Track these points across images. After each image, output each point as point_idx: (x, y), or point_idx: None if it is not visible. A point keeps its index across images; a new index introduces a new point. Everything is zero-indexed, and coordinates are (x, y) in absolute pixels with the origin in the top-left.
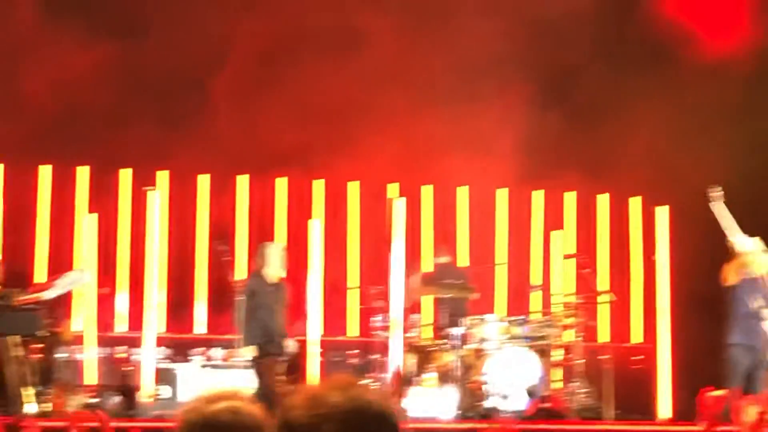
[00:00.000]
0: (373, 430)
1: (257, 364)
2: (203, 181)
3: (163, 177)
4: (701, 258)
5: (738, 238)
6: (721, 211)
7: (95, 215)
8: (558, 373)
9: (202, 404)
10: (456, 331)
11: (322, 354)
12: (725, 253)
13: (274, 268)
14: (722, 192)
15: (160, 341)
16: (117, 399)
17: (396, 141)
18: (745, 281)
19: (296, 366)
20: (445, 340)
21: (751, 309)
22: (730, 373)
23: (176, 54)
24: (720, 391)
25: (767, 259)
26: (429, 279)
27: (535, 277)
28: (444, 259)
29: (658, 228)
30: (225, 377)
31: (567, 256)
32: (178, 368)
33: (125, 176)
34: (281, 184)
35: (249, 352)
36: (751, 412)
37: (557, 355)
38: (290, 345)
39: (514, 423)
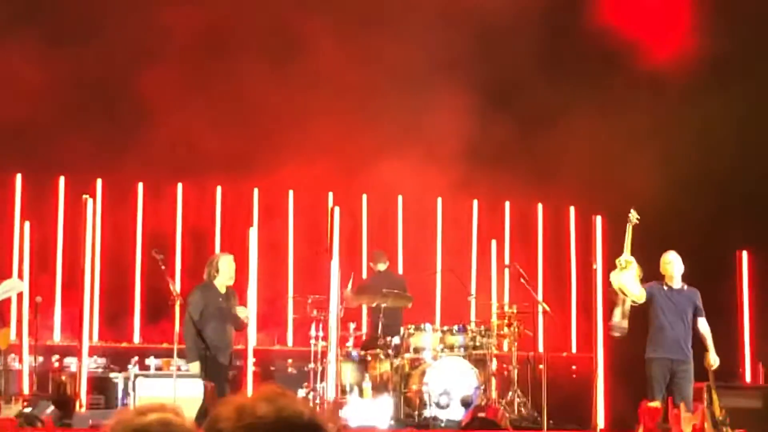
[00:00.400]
0: None
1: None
2: (139, 189)
3: (98, 185)
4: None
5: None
6: (629, 232)
7: (28, 223)
8: (494, 383)
9: (133, 416)
10: (393, 340)
11: (256, 364)
12: (657, 262)
13: (225, 277)
14: (637, 217)
15: (96, 350)
16: (51, 408)
17: (334, 148)
18: (653, 296)
19: (235, 377)
20: (381, 349)
21: (659, 323)
22: (651, 387)
23: (112, 61)
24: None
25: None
26: (365, 287)
27: (473, 286)
28: (382, 266)
29: (594, 237)
30: (161, 386)
31: (504, 266)
32: (114, 377)
33: (60, 184)
34: (218, 192)
35: (196, 368)
36: (687, 423)
37: (494, 364)
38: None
39: None
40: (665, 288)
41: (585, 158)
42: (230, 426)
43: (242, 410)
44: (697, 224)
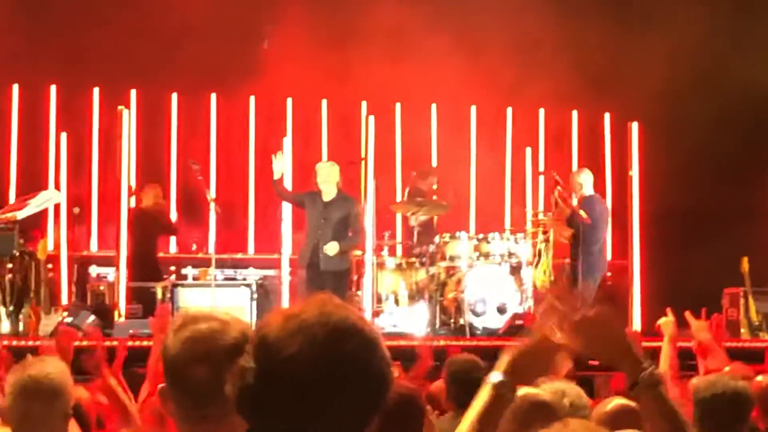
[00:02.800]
0: (341, 344)
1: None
2: (173, 100)
3: (132, 96)
4: (670, 175)
5: None
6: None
7: (65, 134)
8: (530, 290)
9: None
10: (428, 248)
11: (291, 273)
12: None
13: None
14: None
15: None
16: (92, 318)
17: (368, 57)
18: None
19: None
20: (417, 258)
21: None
22: None
23: None
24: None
25: None
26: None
27: (507, 193)
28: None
29: (631, 145)
30: (200, 296)
31: (539, 173)
32: (152, 287)
33: (95, 95)
34: (251, 102)
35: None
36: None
37: (529, 272)
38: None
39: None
40: None
41: (621, 64)
42: (274, 330)
43: (288, 315)
44: (734, 131)
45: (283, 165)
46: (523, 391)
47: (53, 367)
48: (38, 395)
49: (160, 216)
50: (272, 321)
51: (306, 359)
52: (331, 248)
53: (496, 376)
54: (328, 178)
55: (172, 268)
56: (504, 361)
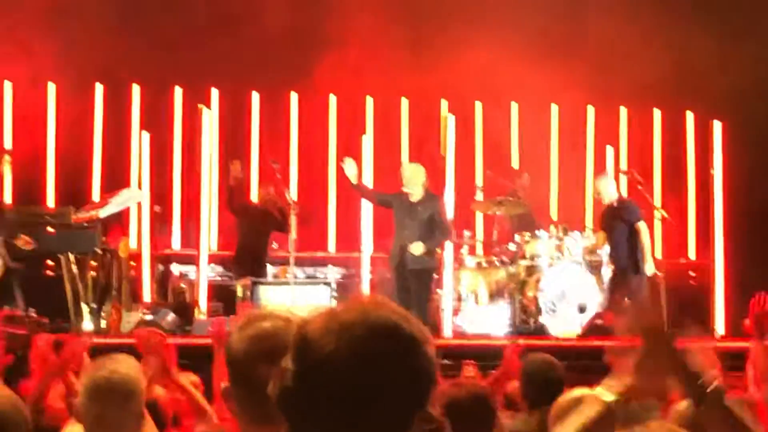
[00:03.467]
0: (382, 342)
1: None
2: (254, 98)
3: (214, 95)
4: (755, 174)
5: None
6: None
7: (147, 133)
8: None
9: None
10: (508, 247)
11: (372, 271)
12: None
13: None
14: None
15: (215, 258)
16: (171, 316)
17: (448, 55)
18: None
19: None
20: (497, 256)
21: None
22: None
23: None
24: None
25: None
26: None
27: (588, 191)
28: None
29: (713, 143)
30: (280, 294)
31: (620, 172)
32: (232, 285)
33: (177, 94)
34: (332, 101)
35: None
36: None
37: (610, 271)
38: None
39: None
40: None
41: (705, 62)
42: (314, 330)
43: (329, 315)
44: None
45: (354, 168)
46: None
47: (126, 367)
48: (111, 396)
49: (272, 213)
50: (313, 321)
51: (343, 358)
52: (417, 248)
53: (608, 395)
54: (412, 179)
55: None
56: (621, 383)
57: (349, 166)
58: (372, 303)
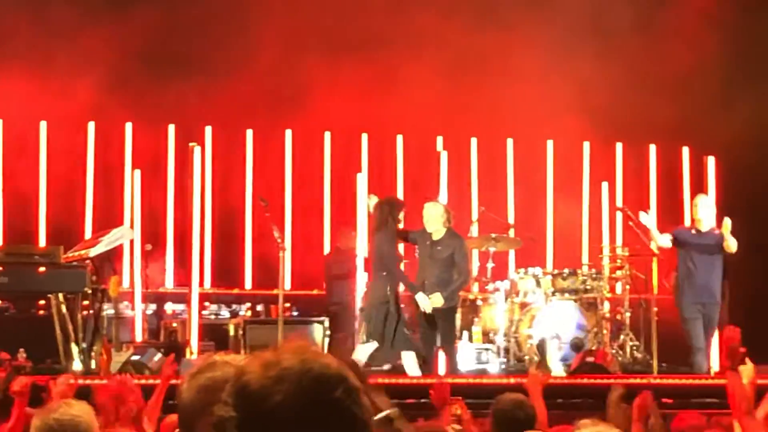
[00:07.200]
0: (327, 392)
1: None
2: (248, 136)
3: (207, 133)
4: (748, 209)
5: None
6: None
7: (138, 171)
8: (606, 327)
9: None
10: (502, 284)
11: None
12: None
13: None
14: None
15: (208, 297)
16: (159, 356)
17: (443, 92)
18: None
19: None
20: (491, 294)
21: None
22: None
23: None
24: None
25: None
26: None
27: (584, 228)
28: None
29: (706, 178)
30: (270, 333)
31: (616, 208)
32: (225, 324)
33: (170, 132)
34: (327, 138)
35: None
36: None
37: (605, 308)
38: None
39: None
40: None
41: (699, 97)
42: (256, 378)
43: (268, 363)
44: None
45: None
46: None
47: (78, 410)
48: None
49: (352, 258)
50: (250, 369)
51: (292, 408)
52: (436, 300)
53: None
54: (430, 218)
55: (248, 305)
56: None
57: (374, 203)
58: (308, 350)
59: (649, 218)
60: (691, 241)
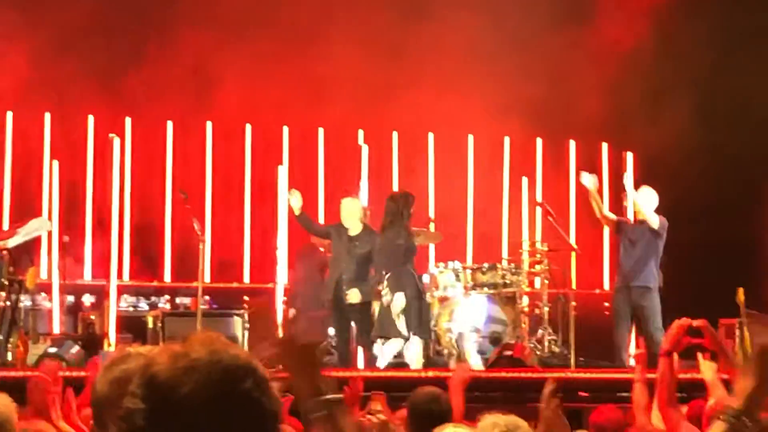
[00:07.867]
0: (236, 383)
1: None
2: (168, 128)
3: (127, 124)
4: (669, 205)
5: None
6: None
7: (57, 162)
8: (525, 321)
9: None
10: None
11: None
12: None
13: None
14: None
15: (127, 289)
16: (76, 348)
17: (364, 85)
18: None
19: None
20: None
21: None
22: None
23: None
24: None
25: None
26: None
27: (504, 223)
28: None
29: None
30: (189, 326)
31: (536, 203)
32: (143, 316)
33: (89, 123)
34: (248, 130)
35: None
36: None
37: (524, 302)
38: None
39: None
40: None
41: (617, 93)
42: (164, 369)
43: (176, 354)
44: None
45: (299, 199)
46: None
47: None
48: None
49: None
50: (159, 360)
51: (200, 399)
52: (353, 296)
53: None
54: (348, 214)
55: (167, 297)
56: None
57: (295, 198)
58: (217, 342)
59: (590, 180)
60: (626, 229)
